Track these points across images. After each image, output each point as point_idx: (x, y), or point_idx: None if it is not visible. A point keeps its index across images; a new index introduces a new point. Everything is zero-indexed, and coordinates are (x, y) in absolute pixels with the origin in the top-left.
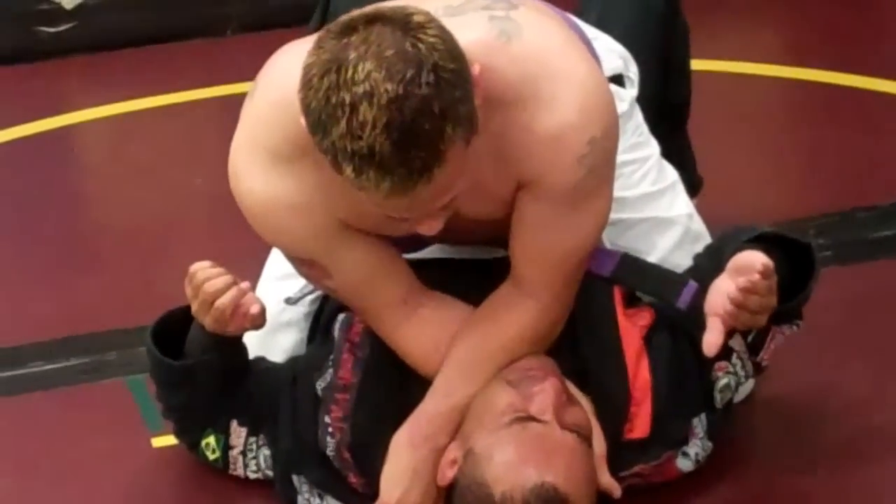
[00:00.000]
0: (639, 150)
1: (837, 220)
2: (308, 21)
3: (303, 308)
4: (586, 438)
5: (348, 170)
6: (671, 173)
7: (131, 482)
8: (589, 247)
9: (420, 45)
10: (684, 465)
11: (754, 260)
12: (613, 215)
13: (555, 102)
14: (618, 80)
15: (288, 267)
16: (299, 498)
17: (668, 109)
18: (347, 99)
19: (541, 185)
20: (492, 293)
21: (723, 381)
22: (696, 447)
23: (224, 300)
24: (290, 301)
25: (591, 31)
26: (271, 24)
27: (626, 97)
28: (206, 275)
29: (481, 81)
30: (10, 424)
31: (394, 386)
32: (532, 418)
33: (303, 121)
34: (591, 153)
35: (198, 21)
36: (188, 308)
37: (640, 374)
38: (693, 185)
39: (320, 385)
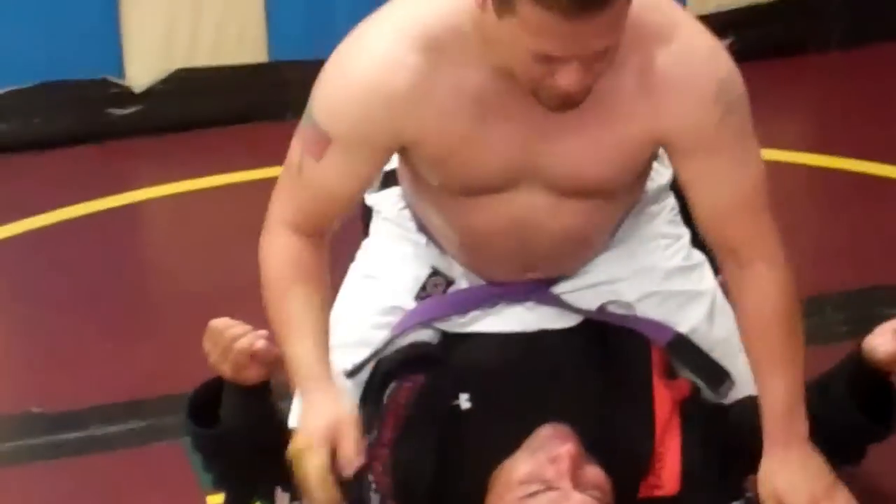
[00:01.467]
0: (674, 226)
1: (857, 297)
2: None
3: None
4: (605, 501)
5: None
6: (699, 255)
7: None
8: (766, 177)
9: None
10: None
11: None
12: (649, 287)
13: (687, 46)
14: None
15: (344, 337)
16: None
17: None
18: None
19: (688, 134)
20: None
21: (748, 496)
22: None
23: (243, 342)
24: (349, 374)
25: None
26: None
27: (665, 173)
28: (226, 324)
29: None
30: (73, 484)
31: (430, 439)
32: (549, 487)
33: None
34: (723, 90)
35: (259, 105)
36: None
37: (670, 436)
38: (717, 265)
39: (365, 445)
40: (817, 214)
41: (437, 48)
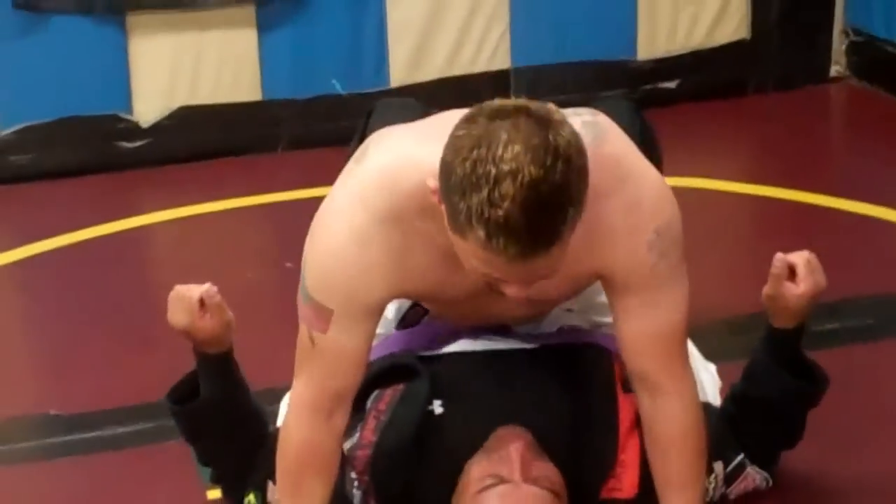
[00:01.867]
0: None
1: None
2: (347, 142)
3: None
4: (555, 490)
5: (480, 232)
6: None
7: None
8: (686, 323)
9: (559, 139)
10: None
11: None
12: (598, 319)
13: (631, 199)
14: None
15: None
16: None
17: None
18: (493, 172)
19: (623, 275)
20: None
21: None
22: None
23: (192, 292)
24: None
25: None
26: (316, 143)
27: None
28: (178, 290)
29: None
30: (85, 480)
31: (407, 442)
32: (502, 480)
33: (432, 183)
34: (659, 240)
35: (254, 139)
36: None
37: (631, 445)
38: None
39: (347, 446)
40: (754, 237)
41: (403, 217)
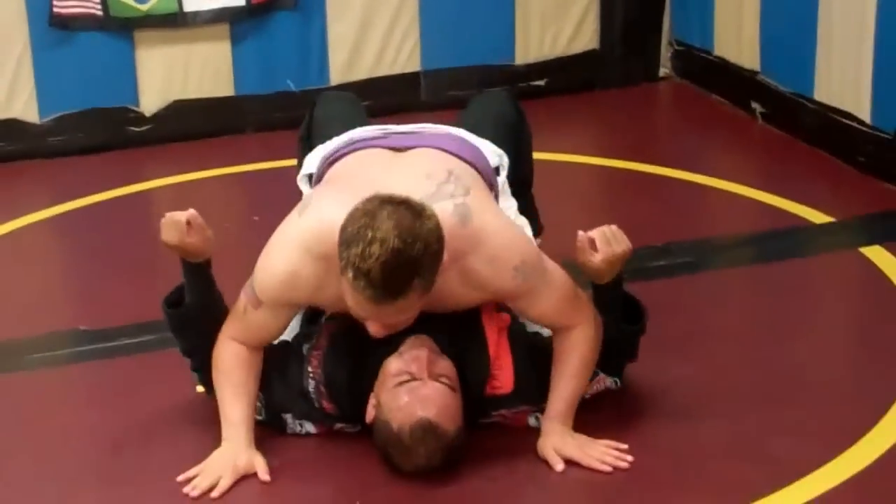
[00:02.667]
0: (506, 199)
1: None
2: (299, 126)
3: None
4: (452, 385)
5: (349, 274)
6: (523, 220)
7: (181, 408)
8: (566, 290)
9: (423, 228)
10: (533, 422)
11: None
12: None
13: (490, 254)
14: (497, 169)
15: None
16: (288, 428)
17: (521, 182)
18: (369, 236)
19: (503, 296)
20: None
21: None
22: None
23: (180, 214)
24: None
25: (479, 141)
26: (275, 128)
27: (501, 180)
28: (170, 214)
29: (447, 257)
30: (107, 379)
31: (353, 347)
32: (413, 377)
33: (337, 236)
34: (519, 272)
35: (229, 124)
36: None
37: (503, 354)
38: (537, 230)
39: (305, 347)
40: (604, 197)
41: (328, 259)
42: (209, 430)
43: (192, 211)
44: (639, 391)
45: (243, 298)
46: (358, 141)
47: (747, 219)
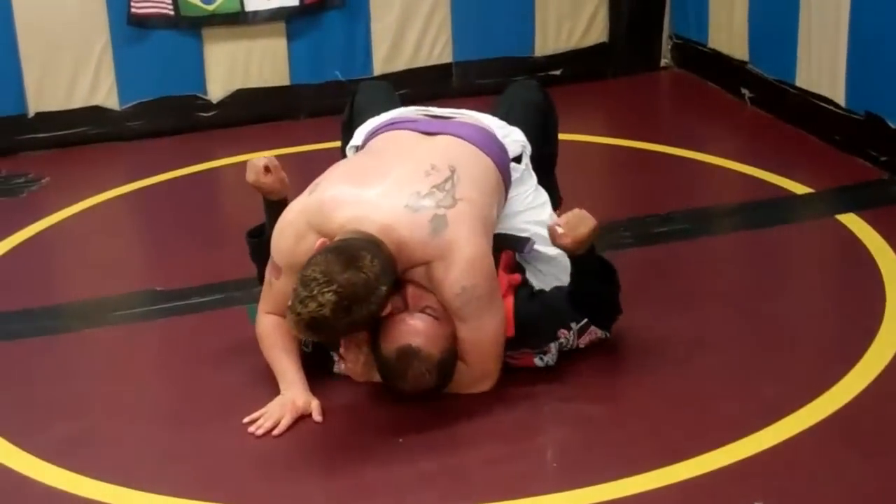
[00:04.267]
0: (524, 186)
1: (637, 221)
2: (342, 111)
3: None
4: (437, 315)
5: (293, 298)
6: (544, 195)
7: (243, 358)
8: (496, 338)
9: (360, 275)
10: (538, 362)
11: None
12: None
13: (450, 263)
14: (517, 158)
15: None
16: (335, 367)
17: (546, 160)
18: (312, 273)
19: (447, 307)
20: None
21: (560, 340)
22: (549, 357)
23: (260, 160)
24: None
25: (504, 130)
26: (325, 113)
27: (520, 168)
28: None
29: (417, 258)
30: (178, 334)
31: None
32: (399, 311)
33: (333, 215)
34: (463, 294)
35: (286, 110)
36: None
37: (507, 302)
38: (556, 202)
39: None
40: (613, 171)
41: (324, 232)
42: (268, 375)
43: (270, 156)
44: (637, 342)
45: (268, 273)
46: (397, 121)
47: (737, 190)
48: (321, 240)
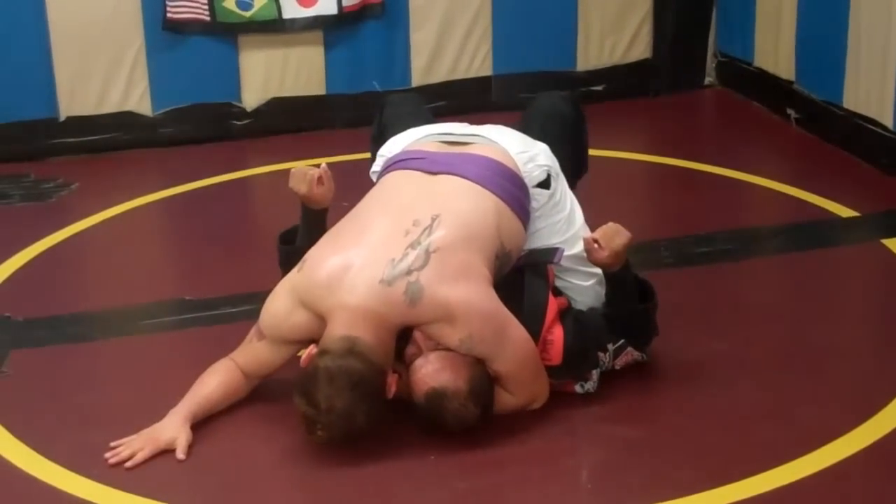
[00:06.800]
0: (555, 216)
1: (678, 241)
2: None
3: None
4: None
5: (302, 422)
6: (578, 211)
7: None
8: (528, 356)
9: (355, 393)
10: (579, 389)
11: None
12: (556, 240)
13: (439, 326)
14: (544, 183)
15: None
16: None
17: (577, 172)
18: (316, 373)
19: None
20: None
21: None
22: (590, 385)
23: (315, 171)
24: None
25: (527, 153)
26: (360, 125)
27: (546, 194)
28: (303, 167)
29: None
30: (207, 344)
31: None
32: (415, 356)
33: (321, 292)
34: (464, 344)
35: (321, 120)
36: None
37: (556, 329)
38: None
39: None
40: (653, 189)
41: (314, 309)
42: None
43: (324, 166)
44: (678, 363)
45: (253, 329)
46: (407, 157)
47: (782, 212)
48: (310, 350)
